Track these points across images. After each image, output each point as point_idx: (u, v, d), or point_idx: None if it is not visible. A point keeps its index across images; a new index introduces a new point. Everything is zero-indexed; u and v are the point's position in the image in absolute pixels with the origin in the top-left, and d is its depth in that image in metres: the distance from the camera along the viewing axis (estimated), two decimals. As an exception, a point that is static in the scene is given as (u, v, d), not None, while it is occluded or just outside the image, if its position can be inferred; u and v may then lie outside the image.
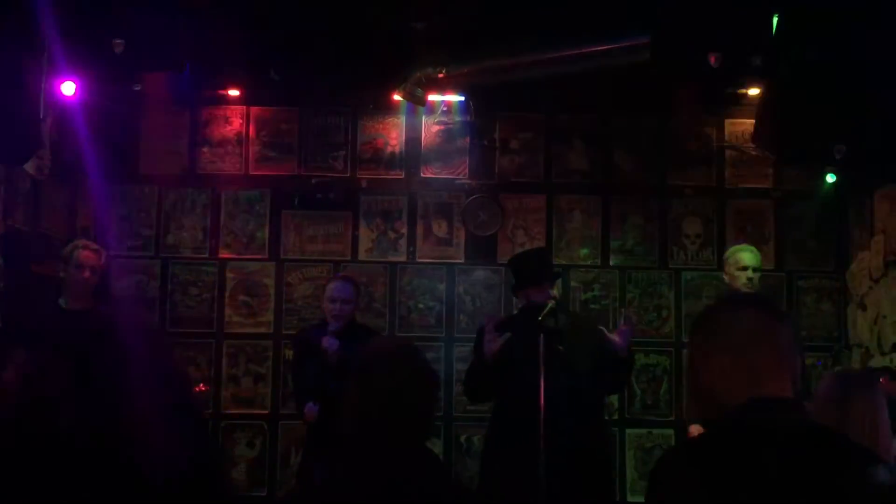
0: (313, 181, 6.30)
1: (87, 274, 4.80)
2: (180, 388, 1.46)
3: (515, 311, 4.77)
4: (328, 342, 4.69)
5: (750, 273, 5.08)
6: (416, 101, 5.72)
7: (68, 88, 5.08)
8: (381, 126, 6.39)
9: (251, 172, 6.32)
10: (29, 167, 5.29)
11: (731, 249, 5.30)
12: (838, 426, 2.41)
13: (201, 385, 5.90)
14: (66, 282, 4.85)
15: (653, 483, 1.69)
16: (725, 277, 5.26)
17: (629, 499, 6.07)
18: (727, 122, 6.39)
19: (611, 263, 6.32)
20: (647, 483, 1.71)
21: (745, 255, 5.15)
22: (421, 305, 6.27)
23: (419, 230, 6.33)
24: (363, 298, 5.73)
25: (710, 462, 1.62)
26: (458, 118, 6.32)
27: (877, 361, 5.64)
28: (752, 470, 1.59)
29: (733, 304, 1.96)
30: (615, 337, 4.25)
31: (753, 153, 6.20)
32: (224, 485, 1.45)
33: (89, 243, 5.00)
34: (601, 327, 4.37)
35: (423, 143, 6.38)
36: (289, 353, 6.00)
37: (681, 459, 1.74)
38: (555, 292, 4.40)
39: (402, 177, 6.36)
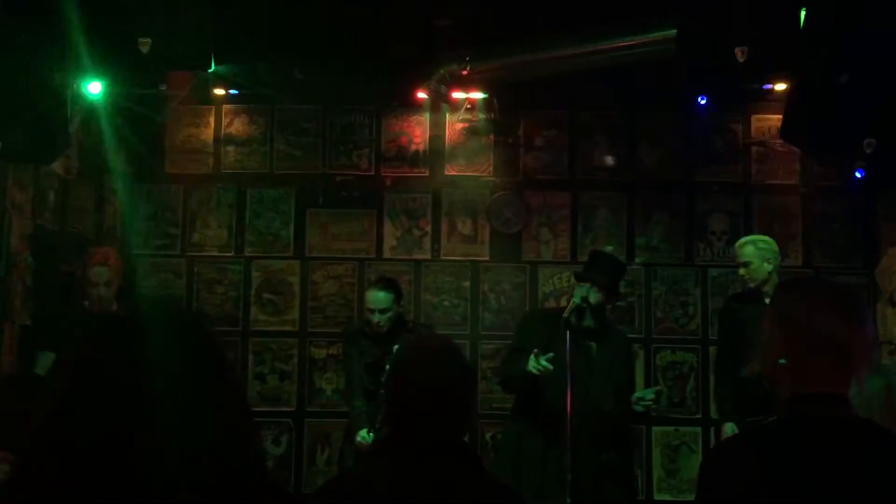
0: (338, 179, 6.32)
1: (101, 291, 4.81)
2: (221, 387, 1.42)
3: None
4: (361, 445, 4.70)
5: (742, 270, 4.83)
6: (441, 99, 5.72)
7: (95, 88, 5.11)
8: (405, 124, 6.39)
9: (276, 171, 6.34)
10: (57, 167, 5.33)
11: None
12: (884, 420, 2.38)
13: None
14: (86, 291, 4.88)
15: (702, 476, 1.69)
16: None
17: (655, 497, 6.04)
18: (753, 117, 6.34)
19: (636, 260, 6.28)
20: (698, 476, 1.70)
21: (744, 250, 4.85)
22: (446, 303, 6.26)
23: (444, 228, 6.32)
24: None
25: (755, 457, 1.61)
26: (481, 115, 6.30)
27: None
28: (793, 465, 1.58)
29: (791, 296, 1.90)
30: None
31: (780, 149, 6.14)
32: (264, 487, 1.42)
33: (102, 255, 4.94)
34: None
35: (447, 141, 6.37)
36: (316, 352, 6.10)
37: (728, 452, 1.74)
38: (588, 293, 4.31)
39: (427, 174, 6.35)
